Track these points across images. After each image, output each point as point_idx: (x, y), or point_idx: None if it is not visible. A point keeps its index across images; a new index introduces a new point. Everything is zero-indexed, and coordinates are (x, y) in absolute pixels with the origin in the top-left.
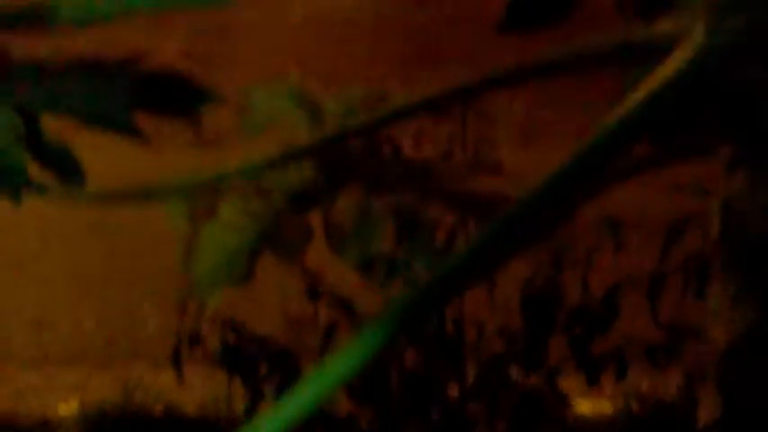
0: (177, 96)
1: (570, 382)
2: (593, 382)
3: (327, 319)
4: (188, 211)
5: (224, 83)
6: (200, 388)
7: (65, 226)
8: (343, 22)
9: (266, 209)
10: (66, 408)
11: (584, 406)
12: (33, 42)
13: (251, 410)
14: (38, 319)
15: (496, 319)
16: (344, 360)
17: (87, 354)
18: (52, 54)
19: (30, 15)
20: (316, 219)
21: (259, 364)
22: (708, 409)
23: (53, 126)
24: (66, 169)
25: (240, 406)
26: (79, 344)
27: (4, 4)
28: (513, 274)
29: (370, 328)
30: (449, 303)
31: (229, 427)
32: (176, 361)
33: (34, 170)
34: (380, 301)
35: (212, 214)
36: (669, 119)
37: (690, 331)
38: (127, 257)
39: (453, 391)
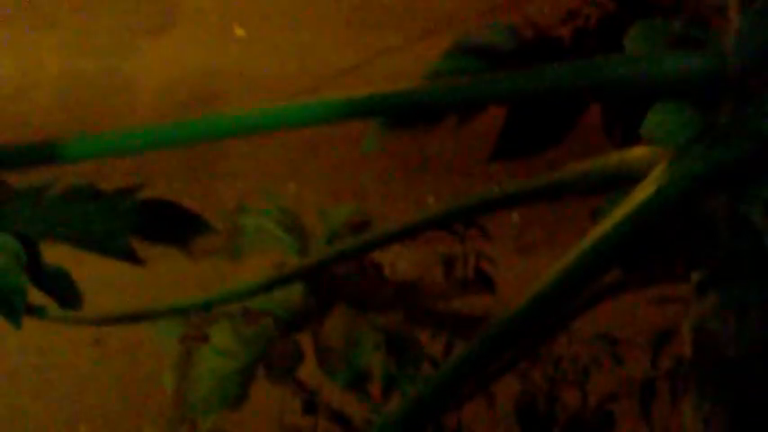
0: (171, 224)
1: None
2: None
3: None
4: (180, 333)
5: (221, 197)
6: None
7: (63, 339)
8: (341, 140)
9: (257, 333)
10: None
11: None
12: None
13: None
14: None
15: None
16: None
17: None
18: (51, 182)
19: (36, 154)
20: (306, 339)
21: None
22: None
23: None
24: (65, 294)
25: None
26: None
27: (6, 143)
28: (509, 383)
29: None
30: (441, 416)
31: None
32: None
33: (34, 292)
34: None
35: (204, 339)
36: (638, 245)
37: None
38: (124, 375)
39: None
